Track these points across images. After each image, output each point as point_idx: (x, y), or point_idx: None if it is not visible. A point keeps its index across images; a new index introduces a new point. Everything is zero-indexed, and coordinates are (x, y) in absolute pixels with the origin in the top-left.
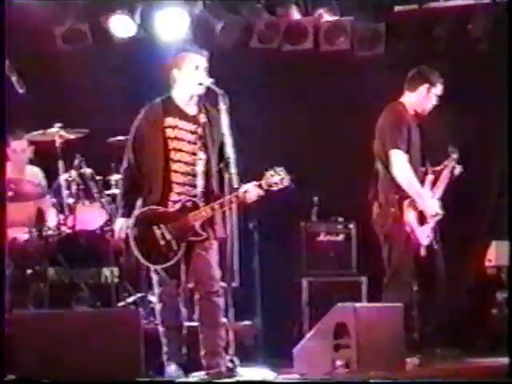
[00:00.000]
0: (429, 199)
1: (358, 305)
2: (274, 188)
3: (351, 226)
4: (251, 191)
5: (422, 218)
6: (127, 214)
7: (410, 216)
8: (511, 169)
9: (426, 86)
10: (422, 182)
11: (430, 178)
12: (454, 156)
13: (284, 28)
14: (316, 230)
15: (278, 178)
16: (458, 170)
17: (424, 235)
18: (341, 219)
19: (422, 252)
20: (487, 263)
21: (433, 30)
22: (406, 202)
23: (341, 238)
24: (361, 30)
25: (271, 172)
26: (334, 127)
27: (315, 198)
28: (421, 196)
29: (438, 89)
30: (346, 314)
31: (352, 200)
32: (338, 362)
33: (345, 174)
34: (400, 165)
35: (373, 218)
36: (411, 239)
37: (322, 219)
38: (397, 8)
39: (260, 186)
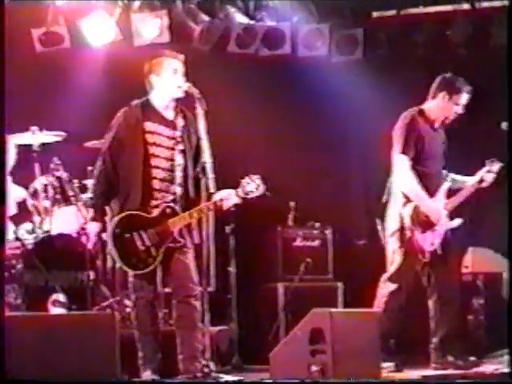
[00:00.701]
0: (430, 204)
1: (333, 310)
2: (250, 196)
3: (327, 231)
4: (227, 199)
5: (427, 224)
6: (99, 218)
7: (413, 221)
8: (511, 169)
9: (445, 93)
10: (436, 188)
11: (446, 185)
12: (485, 170)
13: (262, 33)
14: (292, 235)
15: (253, 185)
16: (487, 183)
17: (427, 241)
18: (317, 225)
19: (426, 258)
20: (464, 270)
21: (411, 35)
22: (408, 207)
23: (317, 243)
24: (338, 36)
25: (247, 180)
26: (311, 132)
27: (292, 203)
28: (421, 200)
29: (462, 97)
30: (322, 319)
31: (329, 206)
32: (314, 368)
33: (322, 180)
34: (401, 169)
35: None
36: (411, 244)
37: (298, 224)
38: (375, 14)
39: (236, 194)
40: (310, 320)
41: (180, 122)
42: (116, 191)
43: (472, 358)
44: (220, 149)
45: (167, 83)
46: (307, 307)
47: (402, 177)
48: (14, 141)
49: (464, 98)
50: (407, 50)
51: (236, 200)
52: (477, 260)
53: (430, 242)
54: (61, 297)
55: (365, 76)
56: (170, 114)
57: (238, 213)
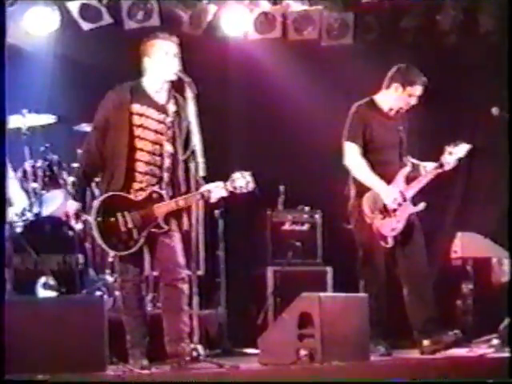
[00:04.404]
0: (384, 187)
1: (322, 295)
2: (238, 191)
3: (317, 215)
4: (215, 191)
5: (386, 210)
6: (80, 198)
7: (370, 208)
8: (511, 169)
9: (398, 84)
10: (394, 175)
11: (404, 171)
12: (447, 152)
13: (252, 17)
14: (281, 219)
15: (243, 181)
16: (448, 165)
17: (386, 227)
18: (307, 208)
19: (390, 243)
20: (453, 254)
21: (401, 21)
22: (367, 195)
23: (306, 227)
24: (329, 20)
25: (237, 175)
26: (300, 116)
27: (281, 187)
28: (374, 185)
29: (416, 89)
30: (310, 303)
31: (318, 189)
32: (302, 352)
33: (311, 164)
34: (350, 156)
35: (348, 211)
36: (373, 231)
37: (287, 208)
38: None
39: (225, 187)
40: (298, 304)
41: (171, 108)
42: (98, 172)
43: (451, 333)
44: (209, 133)
45: (159, 65)
46: (296, 291)
47: (354, 164)
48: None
49: (418, 89)
50: (397, 35)
51: (224, 193)
52: (466, 245)
53: (390, 227)
54: (50, 280)
55: (355, 61)
56: (161, 98)
57: (228, 197)
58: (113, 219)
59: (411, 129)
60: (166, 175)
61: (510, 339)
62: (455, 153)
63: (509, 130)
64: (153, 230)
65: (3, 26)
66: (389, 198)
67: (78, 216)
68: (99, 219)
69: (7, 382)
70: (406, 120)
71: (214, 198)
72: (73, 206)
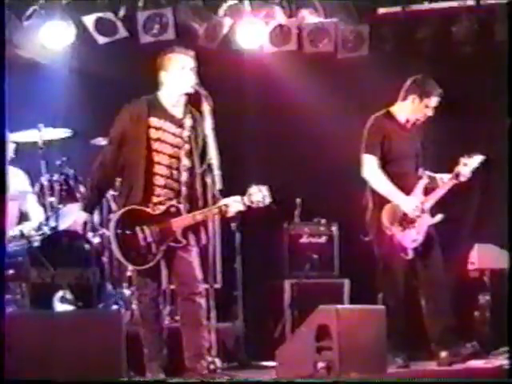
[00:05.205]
0: (403, 198)
1: (340, 307)
2: (255, 205)
3: (333, 227)
4: (232, 205)
5: (406, 222)
6: (90, 209)
7: (390, 220)
8: (511, 168)
9: (415, 96)
10: (412, 187)
11: (422, 182)
12: (461, 164)
13: (268, 30)
14: (298, 231)
15: (260, 195)
16: (464, 177)
17: (408, 239)
18: (323, 221)
19: (410, 255)
20: (470, 266)
21: (416, 32)
22: (386, 207)
23: (323, 239)
24: (344, 32)
25: (254, 189)
26: (316, 128)
27: (298, 200)
28: (393, 196)
29: (432, 100)
30: (328, 316)
31: (335, 202)
32: (320, 364)
33: (328, 176)
34: (368, 168)
35: (366, 223)
36: (393, 243)
37: (304, 221)
38: (380, 10)
39: (242, 202)
40: (316, 317)
41: (188, 122)
42: (110, 186)
43: (469, 345)
44: (225, 146)
45: (175, 79)
46: (313, 304)
47: (372, 176)
48: (19, 138)
49: (434, 101)
50: (412, 46)
51: (241, 207)
52: (483, 256)
53: (411, 239)
54: (67, 294)
55: (370, 72)
56: (178, 112)
57: (245, 210)
58: (132, 233)
59: (427, 140)
60: (183, 189)
61: (510, 339)
62: (470, 164)
63: (509, 135)
64: (171, 244)
65: (3, 26)
66: (409, 207)
67: (86, 227)
68: (118, 233)
69: (7, 382)
70: (421, 131)
71: (231, 213)
72: (82, 217)
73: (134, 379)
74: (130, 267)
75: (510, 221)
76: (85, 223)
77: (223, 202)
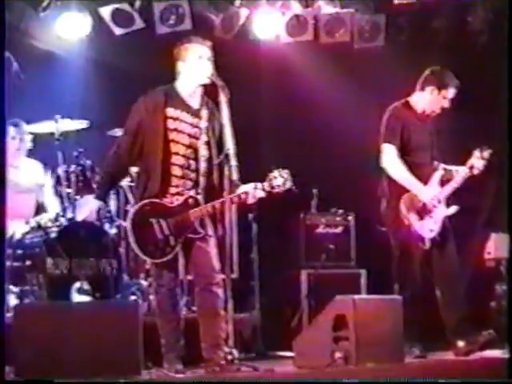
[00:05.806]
0: (422, 187)
1: (356, 297)
2: (276, 190)
3: (350, 217)
4: (252, 192)
5: (424, 211)
6: (102, 197)
7: (408, 209)
8: (511, 164)
9: (433, 87)
10: (428, 177)
11: (438, 174)
12: (475, 157)
13: (284, 20)
14: (315, 221)
15: (281, 180)
16: (477, 170)
17: (425, 228)
18: (340, 211)
19: (427, 245)
20: (486, 255)
21: (432, 22)
22: (404, 196)
23: (340, 229)
24: (360, 22)
25: (275, 174)
26: (332, 118)
27: (315, 190)
28: (412, 185)
29: (450, 92)
30: (345, 306)
31: (351, 192)
32: (338, 354)
33: (344, 166)
34: (388, 157)
35: (381, 213)
36: (410, 232)
37: (321, 211)
38: (396, 0)
39: (262, 188)
40: (333, 307)
41: (205, 113)
42: (124, 176)
43: (485, 332)
44: (241, 137)
45: (192, 69)
46: (330, 294)
47: (392, 165)
48: (36, 129)
49: (451, 92)
50: (428, 36)
51: (261, 194)
52: (499, 246)
53: (428, 228)
54: (84, 285)
55: (387, 62)
56: (194, 103)
57: (261, 200)
58: (149, 227)
59: (441, 132)
60: (201, 179)
61: (510, 339)
62: (483, 157)
63: (508, 130)
64: (190, 235)
65: (3, 26)
66: (427, 197)
67: (99, 214)
68: (135, 227)
69: (7, 383)
70: (436, 123)
71: (251, 200)
72: (94, 204)
73: (132, 380)
74: (149, 261)
75: (509, 210)
76: (98, 210)
77: (242, 189)
